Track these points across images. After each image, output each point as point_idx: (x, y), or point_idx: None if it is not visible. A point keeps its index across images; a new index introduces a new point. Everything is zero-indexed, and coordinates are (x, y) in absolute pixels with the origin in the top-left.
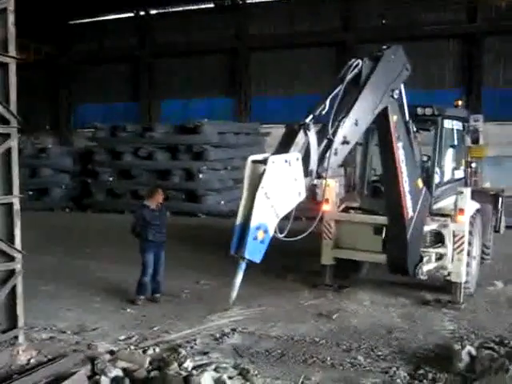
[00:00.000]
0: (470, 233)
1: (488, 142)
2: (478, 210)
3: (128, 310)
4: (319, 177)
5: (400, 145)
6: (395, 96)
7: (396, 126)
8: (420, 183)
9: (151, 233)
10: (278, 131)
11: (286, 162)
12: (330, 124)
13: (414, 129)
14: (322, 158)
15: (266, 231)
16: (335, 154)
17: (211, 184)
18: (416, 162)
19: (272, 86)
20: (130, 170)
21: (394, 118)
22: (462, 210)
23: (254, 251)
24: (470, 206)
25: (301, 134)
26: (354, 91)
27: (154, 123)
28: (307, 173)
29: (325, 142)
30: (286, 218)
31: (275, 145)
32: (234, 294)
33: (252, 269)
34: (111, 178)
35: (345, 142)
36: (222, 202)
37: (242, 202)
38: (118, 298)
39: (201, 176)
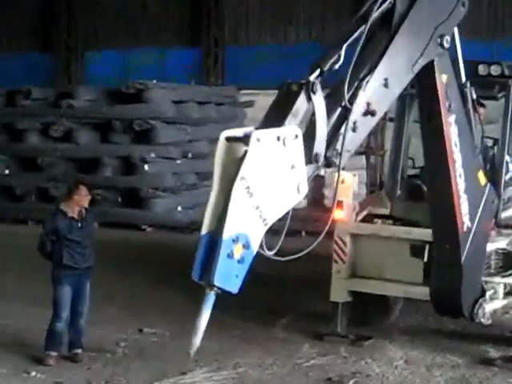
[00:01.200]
0: None
1: None
2: None
3: (33, 373)
4: (329, 165)
5: (452, 119)
6: (446, 45)
7: (446, 92)
8: (482, 178)
9: (68, 254)
10: (265, 100)
11: (279, 140)
12: (347, 84)
13: (474, 96)
14: (333, 136)
15: (246, 245)
16: (353, 130)
17: (162, 180)
18: (476, 147)
19: (256, 30)
20: (37, 157)
21: (443, 79)
22: None
23: (229, 276)
24: None
25: (302, 99)
26: (383, 37)
27: (74, 86)
28: (311, 158)
29: (338, 111)
30: (276, 230)
31: (260, 118)
32: (198, 341)
33: (225, 306)
34: (7, 171)
35: (368, 113)
36: (180, 209)
37: (211, 201)
38: (20, 354)
39: (146, 168)
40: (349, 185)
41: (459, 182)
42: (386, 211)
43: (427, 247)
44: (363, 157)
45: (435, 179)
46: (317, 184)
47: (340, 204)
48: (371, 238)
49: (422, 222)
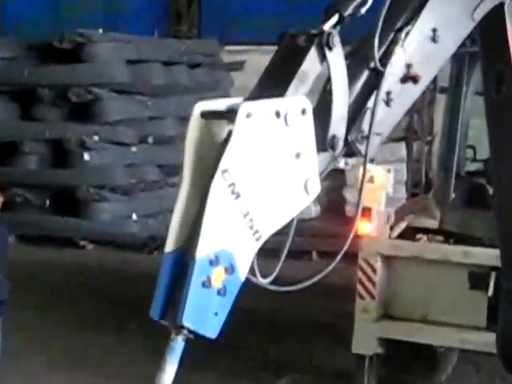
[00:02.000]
0: None
1: None
2: None
3: None
4: (351, 154)
5: None
6: None
7: None
8: None
9: None
10: (259, 60)
11: (279, 116)
12: (378, 37)
13: None
14: (357, 113)
15: (230, 269)
16: (387, 103)
17: (110, 176)
18: None
19: None
20: None
21: None
22: None
23: (204, 313)
24: None
25: (312, 57)
26: None
27: None
28: (325, 143)
29: (365, 76)
30: (275, 249)
31: (253, 85)
32: None
33: (199, 358)
34: None
35: (409, 79)
36: (135, 217)
37: (180, 206)
38: None
39: (86, 157)
40: (380, 184)
41: None
42: (434, 223)
43: (493, 276)
44: (402, 144)
45: (506, 177)
46: (334, 182)
47: (367, 212)
48: (412, 263)
49: (487, 239)
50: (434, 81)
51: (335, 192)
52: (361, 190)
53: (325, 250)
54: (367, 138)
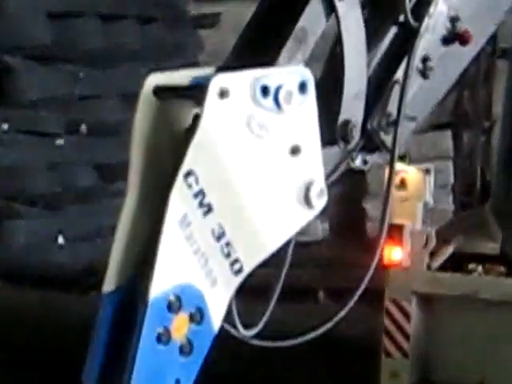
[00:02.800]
0: None
1: None
2: None
3: None
4: (372, 148)
5: None
6: None
7: None
8: None
9: None
10: (240, 11)
11: (266, 93)
12: None
13: None
14: (379, 88)
15: (198, 316)
16: (423, 74)
17: (24, 181)
18: None
19: None
20: None
21: None
22: None
23: (159, 380)
24: None
25: (315, 4)
26: None
27: None
28: (334, 133)
29: (391, 32)
30: (263, 286)
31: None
32: None
33: None
34: None
35: (455, 38)
36: (61, 241)
37: (124, 225)
38: None
39: None
40: (415, 192)
41: None
42: (493, 247)
43: None
44: (448, 133)
45: None
46: (350, 189)
47: (397, 232)
48: (462, 305)
49: None
50: (493, 40)
51: (352, 203)
52: (386, 200)
53: (336, 286)
54: (395, 124)
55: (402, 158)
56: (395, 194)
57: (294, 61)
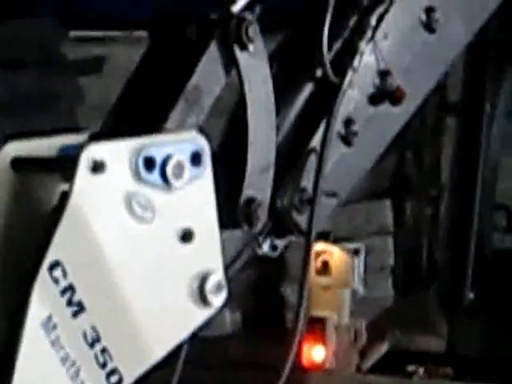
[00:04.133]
0: None
1: None
2: None
3: None
4: (283, 229)
5: None
6: None
7: None
8: None
9: None
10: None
11: (151, 166)
12: (327, 25)
13: None
14: (292, 156)
15: None
16: (346, 139)
17: None
18: None
19: None
20: None
21: None
22: None
23: None
24: None
25: (212, 57)
26: None
27: None
28: (236, 212)
29: (307, 90)
30: None
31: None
32: None
33: None
34: None
35: (385, 97)
36: None
37: None
38: None
39: None
40: (340, 277)
41: None
42: (438, 344)
43: None
44: (387, 203)
45: None
46: (265, 270)
47: (318, 327)
48: None
49: None
50: (441, 93)
51: (269, 288)
52: (302, 287)
53: None
54: (311, 202)
55: (325, 237)
56: (316, 280)
57: (186, 126)
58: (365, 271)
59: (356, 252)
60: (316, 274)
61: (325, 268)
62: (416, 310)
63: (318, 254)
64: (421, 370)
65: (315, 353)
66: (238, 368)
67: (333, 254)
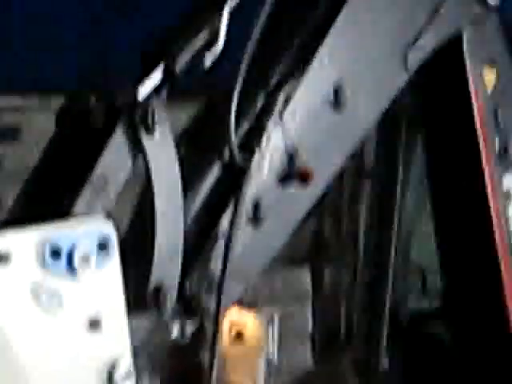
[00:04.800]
0: None
1: None
2: None
3: None
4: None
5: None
6: None
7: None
8: None
9: None
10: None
11: (57, 255)
12: (235, 105)
13: None
14: (200, 241)
15: None
16: (254, 222)
17: None
18: None
19: None
20: None
21: (486, 76)
22: None
23: None
24: None
25: (117, 143)
26: None
27: None
28: (144, 299)
29: (214, 174)
30: None
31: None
32: None
33: None
34: None
35: (293, 177)
36: None
37: None
38: None
39: None
40: (254, 346)
41: None
42: None
43: None
44: (305, 270)
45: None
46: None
47: None
48: None
49: None
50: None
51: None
52: (211, 368)
53: None
54: (219, 286)
55: (239, 305)
56: (231, 349)
57: (93, 213)
58: (281, 338)
59: (271, 319)
60: (230, 343)
61: (239, 337)
62: (332, 375)
63: (233, 323)
64: None
65: None
66: None
67: (247, 322)
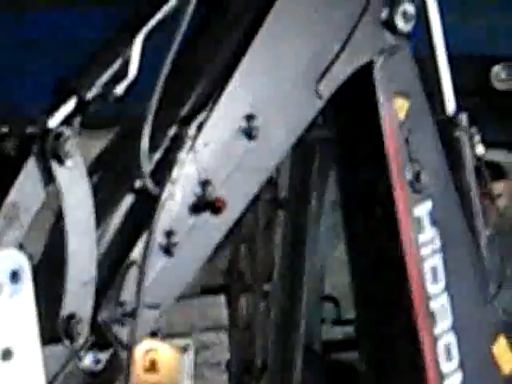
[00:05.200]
0: None
1: None
2: None
3: None
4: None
5: (424, 210)
6: (402, 26)
7: (407, 140)
8: (507, 360)
9: None
10: None
11: None
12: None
13: (481, 150)
14: (112, 270)
15: None
16: (167, 250)
17: None
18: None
19: None
20: None
21: (398, 109)
22: None
23: None
24: None
25: (28, 174)
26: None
27: None
28: (56, 329)
29: (126, 202)
30: None
31: None
32: None
33: None
34: None
35: (206, 207)
36: None
37: None
38: None
39: None
40: (168, 376)
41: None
42: None
43: None
44: (221, 298)
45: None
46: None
47: None
48: None
49: None
50: (273, 188)
51: None
52: None
53: None
54: (132, 315)
55: (153, 334)
56: (144, 379)
57: (4, 243)
58: (196, 368)
59: (185, 349)
60: (144, 373)
61: (153, 366)
62: None
63: (147, 352)
64: None
65: None
66: None
67: (161, 351)
